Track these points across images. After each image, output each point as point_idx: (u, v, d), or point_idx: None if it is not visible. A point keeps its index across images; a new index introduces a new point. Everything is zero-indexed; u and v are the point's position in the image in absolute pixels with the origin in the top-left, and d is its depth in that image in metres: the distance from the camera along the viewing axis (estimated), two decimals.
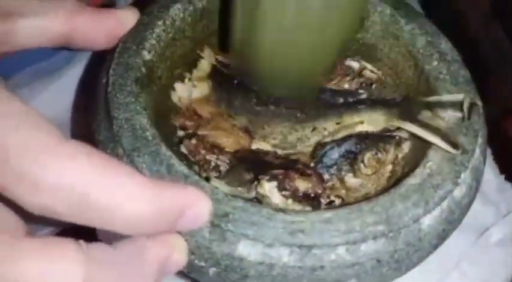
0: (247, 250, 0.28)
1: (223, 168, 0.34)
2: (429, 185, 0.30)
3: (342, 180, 0.35)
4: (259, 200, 0.32)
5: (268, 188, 0.32)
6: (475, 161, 0.32)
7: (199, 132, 0.35)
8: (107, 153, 0.30)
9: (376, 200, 0.30)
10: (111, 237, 0.25)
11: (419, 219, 0.29)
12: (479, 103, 0.34)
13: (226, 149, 0.35)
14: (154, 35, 0.35)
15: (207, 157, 0.34)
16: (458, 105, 0.33)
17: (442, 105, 0.34)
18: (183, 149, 0.35)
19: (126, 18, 0.34)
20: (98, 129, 0.32)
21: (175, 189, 0.25)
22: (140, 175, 0.25)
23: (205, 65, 0.38)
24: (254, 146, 0.36)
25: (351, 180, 0.36)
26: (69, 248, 0.23)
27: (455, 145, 0.31)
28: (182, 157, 0.34)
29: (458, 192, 0.31)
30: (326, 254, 0.28)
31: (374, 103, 0.37)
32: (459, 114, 0.33)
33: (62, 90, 0.43)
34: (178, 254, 0.26)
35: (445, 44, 0.37)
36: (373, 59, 0.40)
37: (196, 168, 0.34)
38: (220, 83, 0.38)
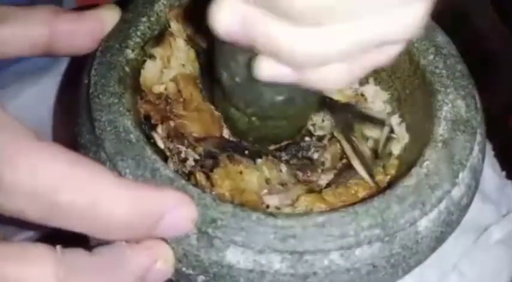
0: (236, 257, 0.27)
1: (190, 162, 0.33)
2: (426, 186, 0.29)
3: None
4: None
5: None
6: (474, 160, 0.31)
7: (175, 111, 0.33)
8: (89, 158, 0.29)
9: (371, 202, 0.28)
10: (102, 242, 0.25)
11: (416, 221, 0.28)
12: (396, 135, 0.36)
13: (194, 135, 0.33)
14: (138, 33, 0.34)
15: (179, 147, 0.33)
16: (381, 126, 0.36)
17: (371, 120, 0.36)
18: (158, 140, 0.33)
19: (108, 18, 0.33)
20: (80, 133, 0.31)
21: (155, 191, 0.24)
22: (117, 176, 0.24)
23: (180, 43, 0.36)
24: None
25: None
26: (42, 252, 0.23)
27: (372, 176, 0.34)
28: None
29: (457, 193, 0.30)
30: (319, 260, 0.27)
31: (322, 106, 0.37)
32: (378, 136, 0.36)
33: (45, 91, 0.42)
34: (163, 263, 0.25)
35: (442, 38, 0.35)
36: None
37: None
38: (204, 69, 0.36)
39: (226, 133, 0.35)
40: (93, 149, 0.29)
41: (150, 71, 0.34)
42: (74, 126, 0.32)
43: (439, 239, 0.30)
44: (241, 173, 0.33)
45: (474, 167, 0.31)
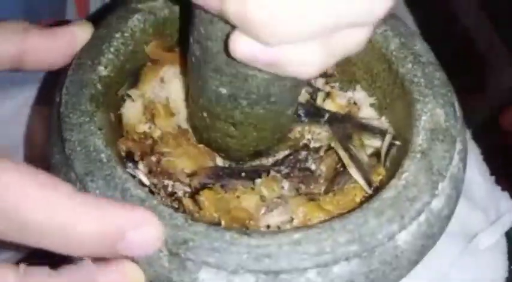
0: (209, 279, 0.26)
1: (179, 195, 0.32)
2: (404, 198, 0.29)
3: None
4: None
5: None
6: (454, 169, 0.30)
7: (159, 149, 0.33)
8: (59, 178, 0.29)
9: (348, 216, 0.28)
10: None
11: (394, 235, 0.28)
12: (397, 142, 0.35)
13: (185, 170, 0.33)
14: (111, 49, 0.33)
15: (165, 182, 0.32)
16: (382, 135, 0.35)
17: (371, 130, 0.36)
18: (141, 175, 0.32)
19: (81, 34, 0.32)
20: (51, 153, 0.30)
21: (120, 208, 0.24)
22: (81, 193, 0.24)
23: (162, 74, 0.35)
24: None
25: None
26: (3, 270, 0.23)
27: (370, 183, 0.33)
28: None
29: (437, 204, 0.29)
30: (295, 279, 0.26)
31: (319, 116, 0.36)
32: (379, 145, 0.35)
33: (19, 107, 0.41)
34: None
35: (420, 45, 0.35)
36: (347, 63, 0.38)
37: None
38: None
39: (219, 161, 0.35)
40: (63, 169, 0.29)
41: (131, 112, 0.34)
42: (46, 145, 0.31)
43: (420, 252, 0.29)
44: (238, 197, 0.32)
45: (455, 177, 0.30)
